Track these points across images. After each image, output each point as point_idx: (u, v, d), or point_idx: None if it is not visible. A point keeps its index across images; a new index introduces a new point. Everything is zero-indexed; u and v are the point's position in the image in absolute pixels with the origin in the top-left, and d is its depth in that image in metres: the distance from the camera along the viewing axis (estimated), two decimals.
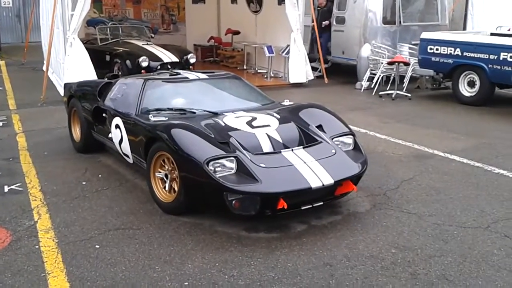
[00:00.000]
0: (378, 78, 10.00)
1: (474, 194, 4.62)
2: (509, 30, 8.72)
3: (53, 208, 4.30)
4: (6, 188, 4.76)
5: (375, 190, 4.66)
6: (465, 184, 4.89)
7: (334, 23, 11.42)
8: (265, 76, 11.56)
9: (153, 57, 9.96)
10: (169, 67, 10.08)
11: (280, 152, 4.01)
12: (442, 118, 7.99)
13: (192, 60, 10.52)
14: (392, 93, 9.58)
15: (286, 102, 5.11)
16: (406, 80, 9.98)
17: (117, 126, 4.91)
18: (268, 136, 4.16)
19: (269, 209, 3.71)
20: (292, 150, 4.05)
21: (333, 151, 4.15)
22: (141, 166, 4.57)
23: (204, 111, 4.65)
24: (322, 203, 3.94)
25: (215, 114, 4.55)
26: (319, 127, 4.43)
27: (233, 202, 3.64)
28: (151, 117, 4.44)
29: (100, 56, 10.06)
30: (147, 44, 10.66)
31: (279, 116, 4.54)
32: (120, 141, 4.87)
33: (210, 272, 3.23)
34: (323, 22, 11.50)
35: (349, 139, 4.41)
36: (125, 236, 3.78)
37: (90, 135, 5.69)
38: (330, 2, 11.55)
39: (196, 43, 14.32)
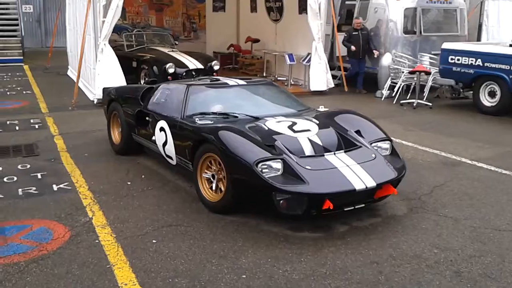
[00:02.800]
0: (399, 87, 10.19)
1: (505, 199, 4.79)
2: None
3: (104, 205, 4.53)
4: (55, 187, 4.99)
5: (409, 194, 4.84)
6: (495, 190, 5.06)
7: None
8: (286, 84, 11.77)
9: (179, 63, 10.21)
10: (194, 73, 10.35)
11: (323, 155, 4.20)
12: (465, 127, 8.17)
13: (216, 67, 10.76)
14: (413, 102, 9.76)
15: (322, 108, 5.33)
16: (426, 90, 10.16)
17: (161, 129, 5.10)
18: (310, 140, 4.34)
19: (314, 210, 3.88)
20: (335, 153, 4.24)
21: (373, 155, 4.33)
22: (186, 167, 4.77)
23: (246, 115, 4.87)
24: (363, 205, 4.12)
25: (256, 119, 4.75)
26: (357, 132, 4.62)
27: (281, 201, 3.81)
28: (197, 120, 4.69)
29: (127, 62, 10.30)
30: (172, 51, 10.93)
31: (317, 122, 4.72)
32: (164, 144, 5.06)
33: (265, 267, 3.43)
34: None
35: (386, 145, 4.60)
36: (178, 232, 4.00)
37: (131, 138, 5.89)
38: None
39: (216, 51, 14.57)
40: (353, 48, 10.87)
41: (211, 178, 4.39)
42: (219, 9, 14.91)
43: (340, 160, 4.16)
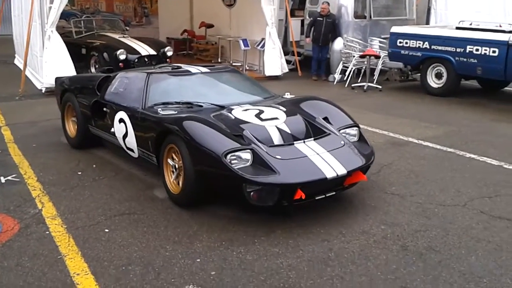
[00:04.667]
0: (350, 71, 10.40)
1: (449, 176, 5.02)
2: (471, 24, 9.22)
3: (54, 197, 4.43)
4: (2, 179, 4.83)
5: None
6: (440, 168, 5.29)
7: (307, 17, 11.74)
8: (241, 69, 11.77)
9: (130, 50, 10.03)
10: (146, 60, 10.21)
11: (293, 144, 4.09)
12: (413, 108, 8.45)
13: (169, 53, 10.63)
14: (364, 85, 9.99)
15: (287, 95, 5.22)
16: (376, 73, 10.41)
17: (121, 121, 4.90)
18: (278, 128, 4.22)
19: (286, 200, 3.78)
20: (304, 142, 4.14)
21: (342, 142, 4.26)
22: (149, 160, 4.59)
23: (211, 104, 4.68)
24: (334, 193, 4.05)
25: (222, 108, 4.58)
26: (325, 119, 4.54)
27: (252, 193, 3.68)
28: (159, 110, 4.48)
29: (75, 49, 10.02)
30: (123, 37, 10.70)
31: (285, 109, 4.59)
32: (125, 136, 4.88)
33: (219, 250, 3.47)
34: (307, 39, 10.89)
35: (354, 131, 4.53)
36: (132, 220, 3.97)
37: (87, 130, 5.64)
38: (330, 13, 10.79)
39: (169, 36, 14.39)
40: (307, 40, 10.88)
41: (174, 170, 4.24)
42: None
43: (310, 148, 4.07)
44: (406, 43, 9.75)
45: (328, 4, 10.68)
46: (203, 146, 3.85)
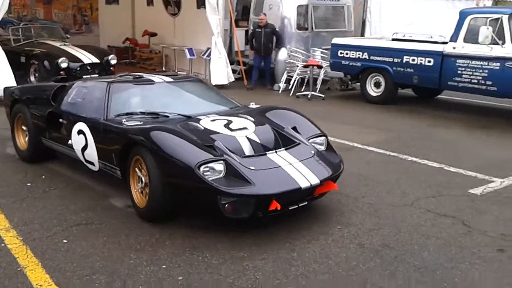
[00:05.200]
0: (294, 80, 10.70)
1: (395, 178, 5.31)
2: (404, 36, 9.74)
3: (6, 208, 4.27)
4: None
5: None
6: (386, 171, 5.59)
7: (251, 27, 11.95)
8: None
9: (72, 58, 9.77)
10: (89, 68, 9.99)
11: (266, 154, 4.04)
12: (355, 116, 8.83)
13: (113, 61, 10.44)
14: (308, 94, 10.30)
15: (252, 105, 5.16)
16: (319, 82, 10.78)
17: (80, 132, 4.67)
18: (248, 138, 4.15)
19: (261, 211, 3.71)
20: (276, 152, 4.08)
21: (312, 152, 4.24)
22: (112, 173, 4.41)
23: (178, 114, 4.53)
24: (306, 202, 4.04)
25: (189, 118, 4.45)
26: (294, 128, 4.50)
27: (226, 205, 3.59)
28: (124, 121, 4.32)
29: (14, 57, 9.56)
30: (64, 45, 10.40)
31: (253, 119, 4.52)
32: (84, 148, 4.65)
33: (184, 256, 3.49)
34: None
35: (322, 140, 4.52)
36: (90, 230, 3.90)
37: (40, 142, 5.36)
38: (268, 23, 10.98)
39: (111, 44, 14.10)
40: (250, 54, 11.08)
41: (141, 183, 4.06)
42: (113, 2, 14.44)
43: (282, 158, 4.02)
44: (347, 54, 10.17)
45: (265, 14, 10.98)
46: (174, 158, 3.72)
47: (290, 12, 11.42)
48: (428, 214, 4.32)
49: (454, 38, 8.49)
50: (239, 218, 3.73)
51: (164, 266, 3.34)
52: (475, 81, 8.10)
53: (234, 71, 11.59)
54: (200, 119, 4.39)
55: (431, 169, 5.66)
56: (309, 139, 4.43)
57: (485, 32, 7.77)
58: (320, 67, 10.57)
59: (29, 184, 4.91)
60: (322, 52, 11.18)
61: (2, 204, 4.36)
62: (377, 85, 9.88)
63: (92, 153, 4.58)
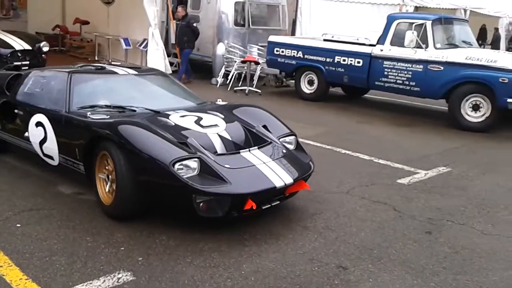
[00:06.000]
0: (232, 75, 10.94)
1: (331, 169, 5.71)
2: (333, 37, 10.26)
3: None
4: None
5: None
6: (323, 162, 5.92)
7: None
8: None
9: (2, 44, 9.35)
10: (20, 55, 9.60)
11: (239, 152, 4.01)
12: (291, 111, 9.20)
13: (45, 49, 10.08)
14: (245, 89, 10.59)
15: (220, 102, 5.09)
16: (255, 78, 11.10)
17: (39, 124, 4.46)
18: (220, 136, 4.11)
19: (236, 210, 3.69)
20: (249, 150, 4.06)
21: (284, 151, 4.26)
22: (74, 168, 4.21)
23: (145, 109, 4.42)
24: (278, 202, 4.05)
25: (157, 113, 4.34)
26: (264, 127, 4.49)
27: (201, 204, 3.54)
28: (89, 114, 4.16)
29: None
30: None
31: (223, 116, 4.46)
32: (43, 141, 4.43)
33: (141, 239, 3.62)
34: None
35: (291, 140, 4.54)
36: (42, 215, 3.91)
37: None
38: (188, 16, 11.06)
39: (39, 31, 13.52)
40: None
41: (107, 179, 3.93)
42: None
43: (255, 157, 4.00)
44: (282, 51, 10.55)
45: (183, 8, 11.04)
46: (146, 154, 3.61)
47: (227, 8, 11.63)
48: (363, 200, 4.74)
49: (381, 41, 9.13)
50: (213, 217, 3.68)
51: (123, 248, 3.46)
52: (400, 81, 8.79)
53: (171, 64, 11.60)
54: (169, 115, 4.29)
55: (363, 161, 6.14)
56: (279, 138, 4.43)
57: (410, 36, 8.45)
58: (257, 63, 10.89)
59: None
60: (258, 49, 11.49)
61: None
62: (311, 83, 10.35)
63: (51, 147, 4.37)
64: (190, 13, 12.05)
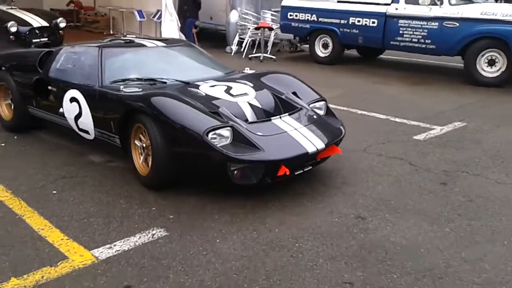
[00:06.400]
0: (246, 42, 10.99)
1: (348, 129, 5.62)
2: None
3: None
4: None
5: None
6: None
7: None
8: None
9: (21, 22, 9.54)
10: (37, 32, 9.80)
11: (270, 120, 4.05)
12: (306, 75, 9.10)
13: (62, 25, 10.26)
14: (260, 56, 10.66)
15: (248, 70, 5.12)
16: (269, 44, 11.14)
17: (73, 100, 4.52)
18: (250, 104, 4.14)
19: (269, 177, 3.74)
20: (280, 117, 4.10)
21: (315, 117, 4.28)
22: (110, 141, 4.29)
23: (175, 80, 4.45)
24: (311, 167, 4.08)
25: (187, 84, 4.39)
26: (294, 93, 4.50)
27: (235, 172, 3.60)
28: (122, 88, 4.21)
29: None
30: (11, 8, 10.11)
31: (252, 84, 4.48)
32: (78, 116, 4.51)
33: (170, 199, 3.83)
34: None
35: (321, 105, 4.55)
36: (76, 182, 4.16)
37: (26, 111, 5.21)
38: None
39: (54, 8, 13.69)
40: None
41: (142, 151, 4.03)
42: None
43: (287, 123, 4.05)
44: (296, 16, 10.55)
45: None
46: (180, 125, 3.67)
47: None
48: (379, 157, 4.89)
49: (396, 0, 9.07)
50: (247, 184, 3.73)
51: (154, 208, 3.69)
52: (416, 40, 8.76)
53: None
54: (198, 85, 4.33)
55: (379, 120, 6.26)
56: (309, 104, 4.45)
57: None
58: (271, 29, 10.91)
59: (3, 144, 5.04)
60: (272, 15, 11.49)
61: None
62: (325, 46, 10.37)
63: (86, 122, 4.45)
64: None
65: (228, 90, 4.28)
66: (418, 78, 8.96)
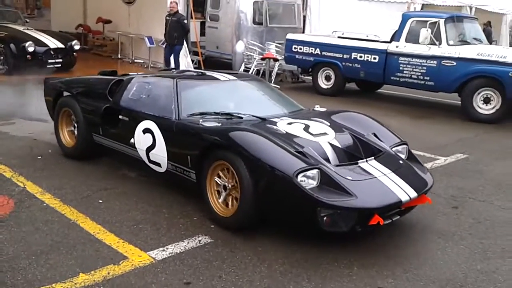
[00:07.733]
0: (252, 71, 11.50)
1: None
2: (343, 34, 10.75)
3: (29, 176, 4.72)
4: None
5: None
6: None
7: (209, 19, 12.59)
8: (145, 66, 12.19)
9: (38, 42, 9.94)
10: (53, 53, 10.19)
11: (357, 163, 3.82)
12: (311, 105, 9.74)
13: (77, 47, 10.71)
14: None
15: (318, 108, 4.93)
16: (274, 74, 11.67)
17: (146, 131, 4.37)
18: (331, 144, 3.90)
19: (360, 225, 3.48)
20: (367, 161, 3.85)
21: (401, 162, 4.00)
22: (185, 176, 4.10)
23: (252, 116, 4.28)
24: (399, 216, 3.75)
25: (264, 120, 4.20)
26: (374, 135, 4.26)
27: (325, 218, 3.37)
28: (201, 122, 4.07)
29: None
30: (27, 29, 10.50)
31: (328, 123, 4.25)
32: (150, 148, 4.34)
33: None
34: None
35: (403, 149, 4.27)
36: (118, 193, 4.48)
37: (91, 139, 5.07)
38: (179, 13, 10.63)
39: (62, 30, 14.07)
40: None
41: (222, 190, 3.83)
42: None
43: (375, 168, 3.78)
44: (300, 48, 11.11)
45: (177, 3, 10.61)
46: (268, 164, 3.46)
47: (246, 7, 12.20)
48: None
49: (396, 38, 9.68)
50: (336, 231, 3.50)
51: (195, 218, 4.02)
52: (415, 76, 9.35)
53: (191, 61, 12.16)
54: (276, 122, 4.14)
55: None
56: (391, 148, 4.17)
57: (425, 33, 9.01)
58: (276, 60, 11.44)
59: (39, 157, 5.34)
60: (276, 46, 12.05)
61: (24, 173, 4.80)
62: (328, 78, 10.90)
63: (160, 154, 4.27)
64: (210, 12, 12.64)
65: (306, 129, 4.06)
66: (417, 112, 9.51)
